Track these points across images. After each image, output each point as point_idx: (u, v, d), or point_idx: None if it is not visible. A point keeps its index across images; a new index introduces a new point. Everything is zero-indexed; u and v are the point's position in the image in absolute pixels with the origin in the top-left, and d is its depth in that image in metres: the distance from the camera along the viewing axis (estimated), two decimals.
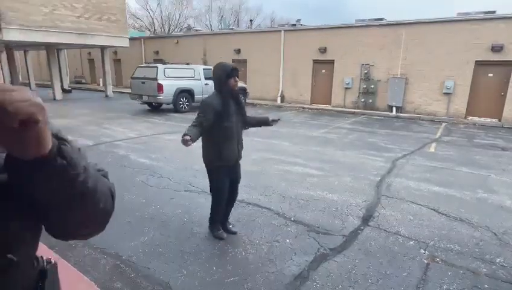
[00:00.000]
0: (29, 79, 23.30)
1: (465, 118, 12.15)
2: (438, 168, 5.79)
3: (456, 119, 11.97)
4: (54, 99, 15.75)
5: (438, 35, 12.28)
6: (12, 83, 19.40)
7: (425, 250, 3.06)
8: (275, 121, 3.25)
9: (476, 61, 11.74)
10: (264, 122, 3.28)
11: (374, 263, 2.84)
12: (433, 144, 7.91)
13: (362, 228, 3.50)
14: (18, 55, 24.79)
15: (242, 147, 3.16)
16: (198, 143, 2.98)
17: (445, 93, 12.41)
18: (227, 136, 2.94)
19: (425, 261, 2.89)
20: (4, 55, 20.14)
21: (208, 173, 3.12)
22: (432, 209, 4.01)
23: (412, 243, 3.20)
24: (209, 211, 3.26)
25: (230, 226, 3.38)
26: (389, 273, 2.70)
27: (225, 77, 2.88)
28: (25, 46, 19.81)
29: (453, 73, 12.16)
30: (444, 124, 11.28)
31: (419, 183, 4.93)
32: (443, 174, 5.45)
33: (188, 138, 2.65)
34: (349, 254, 2.98)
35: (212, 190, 3.14)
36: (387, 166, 5.83)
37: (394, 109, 13.27)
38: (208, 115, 2.84)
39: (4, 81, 23.71)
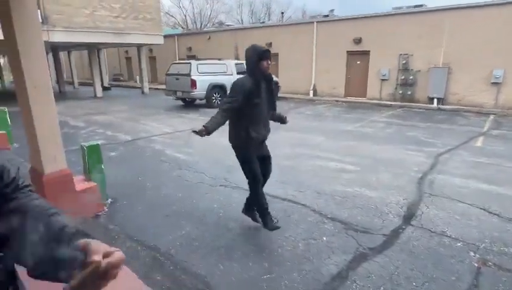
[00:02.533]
0: (72, 78, 24.77)
1: None
2: (486, 164, 5.38)
3: (506, 111, 11.05)
4: (95, 96, 16.61)
5: (485, 20, 11.35)
6: (58, 81, 20.72)
7: (475, 253, 2.85)
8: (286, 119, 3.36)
9: None
10: (282, 120, 3.34)
11: (418, 264, 2.69)
12: (480, 138, 7.36)
13: (404, 227, 3.33)
14: (62, 55, 26.38)
15: (269, 131, 3.16)
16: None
17: (493, 82, 11.49)
18: (255, 117, 2.92)
19: (476, 265, 2.68)
20: (50, 56, 21.52)
21: (237, 156, 3.07)
22: (481, 208, 3.72)
23: (459, 244, 2.99)
24: (248, 204, 3.29)
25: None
26: (436, 276, 2.54)
27: (257, 59, 2.84)
28: (69, 47, 21.00)
29: (502, 61, 11.20)
30: (492, 116, 10.46)
31: (466, 180, 4.61)
32: (492, 171, 5.05)
33: (202, 129, 2.72)
34: (391, 254, 2.84)
35: (247, 174, 3.05)
36: (429, 162, 5.51)
37: (435, 100, 12.52)
38: (238, 96, 2.82)
39: (51, 80, 25.42)
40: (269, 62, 2.90)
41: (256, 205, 3.20)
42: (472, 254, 2.84)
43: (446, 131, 8.19)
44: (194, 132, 2.73)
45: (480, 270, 2.61)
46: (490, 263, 2.70)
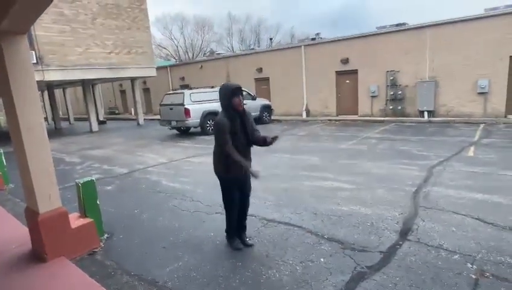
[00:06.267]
0: (68, 114, 25.01)
1: (505, 116, 11.40)
2: (480, 174, 5.44)
3: (495, 119, 11.27)
4: (91, 131, 16.72)
5: (466, 34, 11.80)
6: (53, 118, 20.90)
7: (472, 264, 2.85)
8: (274, 139, 3.15)
9: (511, 56, 11.10)
10: (263, 142, 3.16)
11: (416, 280, 2.68)
12: (472, 148, 7.47)
13: (400, 242, 3.33)
14: (57, 92, 26.75)
15: (250, 161, 3.32)
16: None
17: (480, 93, 11.77)
18: (235, 146, 3.11)
19: (474, 276, 2.68)
20: (45, 94, 21.84)
21: (220, 183, 3.33)
22: (476, 219, 3.74)
23: (456, 257, 2.99)
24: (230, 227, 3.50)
25: (247, 239, 3.54)
26: None
27: (229, 96, 3.07)
28: (64, 84, 21.37)
29: (486, 71, 11.55)
30: (482, 126, 10.64)
31: (460, 191, 4.65)
32: (486, 180, 5.10)
33: (254, 171, 3.01)
34: (389, 271, 2.83)
35: (224, 200, 3.36)
36: (422, 175, 5.56)
37: (425, 113, 12.76)
38: (226, 131, 3.04)
39: (46, 117, 25.69)
40: (241, 98, 3.11)
41: (226, 224, 3.48)
42: (469, 265, 2.84)
43: (438, 143, 8.30)
44: (254, 176, 3.01)
45: (478, 282, 2.61)
46: (488, 274, 2.70)
